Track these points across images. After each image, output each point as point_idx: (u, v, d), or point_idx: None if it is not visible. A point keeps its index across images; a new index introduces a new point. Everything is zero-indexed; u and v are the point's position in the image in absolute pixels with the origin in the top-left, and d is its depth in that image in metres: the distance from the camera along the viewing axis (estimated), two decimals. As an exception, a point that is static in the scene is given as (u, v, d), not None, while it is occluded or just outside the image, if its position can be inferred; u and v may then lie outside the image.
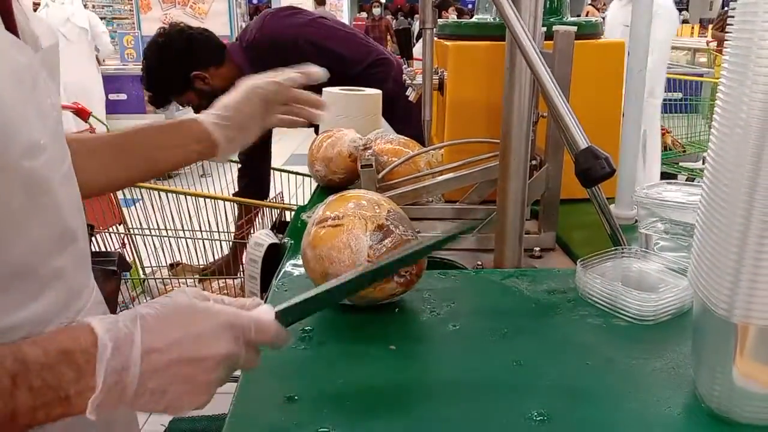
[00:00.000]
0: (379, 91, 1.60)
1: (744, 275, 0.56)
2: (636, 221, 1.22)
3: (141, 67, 2.11)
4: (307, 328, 0.79)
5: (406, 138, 1.35)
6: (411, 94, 1.48)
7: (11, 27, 0.59)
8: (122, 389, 0.50)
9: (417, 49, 1.98)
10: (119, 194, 2.29)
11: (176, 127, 0.87)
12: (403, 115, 1.82)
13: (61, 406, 0.49)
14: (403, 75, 1.51)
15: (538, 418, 0.62)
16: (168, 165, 0.89)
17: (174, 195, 2.26)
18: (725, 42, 0.58)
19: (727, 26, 0.57)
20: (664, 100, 3.98)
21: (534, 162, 1.15)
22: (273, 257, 1.13)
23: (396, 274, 0.80)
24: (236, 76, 2.08)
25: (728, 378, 0.60)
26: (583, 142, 0.78)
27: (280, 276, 0.97)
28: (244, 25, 7.30)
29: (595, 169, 0.77)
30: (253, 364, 0.58)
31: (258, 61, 2.03)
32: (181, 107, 2.21)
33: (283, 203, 2.53)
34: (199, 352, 0.52)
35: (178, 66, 1.98)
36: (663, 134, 4.05)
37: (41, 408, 0.49)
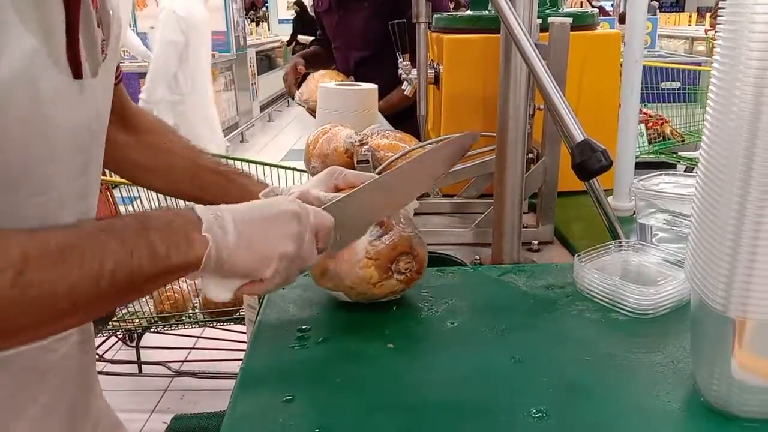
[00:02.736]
0: (375, 86, 1.59)
1: (739, 270, 0.55)
2: (634, 213, 1.22)
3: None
4: (304, 327, 0.79)
5: (402, 133, 1.34)
6: (407, 89, 1.47)
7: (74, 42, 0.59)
8: (222, 227, 0.59)
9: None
10: (116, 193, 2.28)
11: (242, 185, 0.87)
12: (412, 112, 1.80)
13: (186, 246, 0.57)
14: (399, 69, 1.50)
15: (537, 415, 0.62)
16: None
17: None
18: (716, 30, 0.57)
19: (718, 16, 0.57)
20: (663, 89, 3.96)
21: (531, 155, 1.15)
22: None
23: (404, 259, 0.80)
24: None
25: (726, 372, 0.60)
26: (579, 135, 0.78)
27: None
28: (240, 21, 7.28)
29: (591, 162, 0.76)
30: (313, 255, 0.66)
31: None
32: None
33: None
34: (274, 209, 0.64)
35: None
36: (662, 124, 4.04)
37: (173, 246, 0.56)
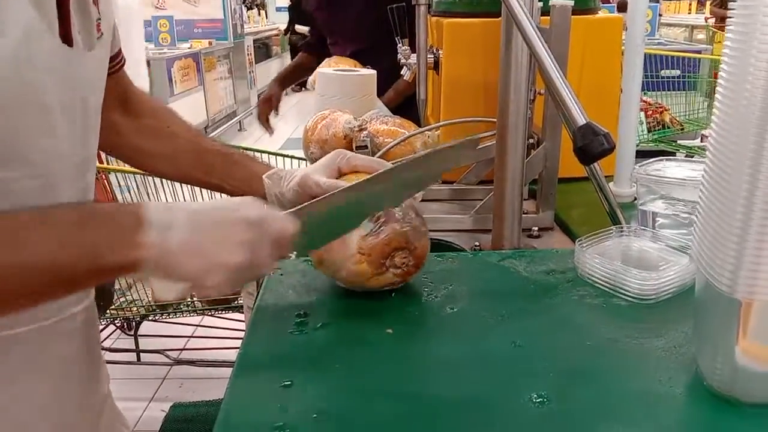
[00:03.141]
0: (374, 72, 1.58)
1: (748, 250, 0.54)
2: (635, 199, 1.21)
3: None
4: (303, 312, 0.78)
5: (401, 118, 1.33)
6: (406, 74, 1.46)
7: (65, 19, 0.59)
8: (168, 231, 0.56)
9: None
10: (113, 181, 2.26)
11: (246, 166, 0.86)
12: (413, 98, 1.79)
13: (126, 246, 0.54)
14: (398, 54, 1.49)
15: (537, 400, 0.61)
16: (214, 190, 0.90)
17: (169, 182, 2.23)
18: (728, 14, 0.56)
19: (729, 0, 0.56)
20: (662, 77, 3.94)
21: (531, 140, 1.14)
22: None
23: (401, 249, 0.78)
24: None
25: (731, 357, 0.59)
26: (581, 119, 0.77)
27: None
28: (237, 8, 7.23)
29: (594, 146, 0.75)
30: (267, 262, 0.62)
31: None
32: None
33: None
34: (231, 213, 0.60)
35: None
36: (661, 112, 4.02)
37: (111, 245, 0.53)
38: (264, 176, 0.81)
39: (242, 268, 0.59)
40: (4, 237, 0.50)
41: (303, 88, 9.33)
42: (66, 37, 0.59)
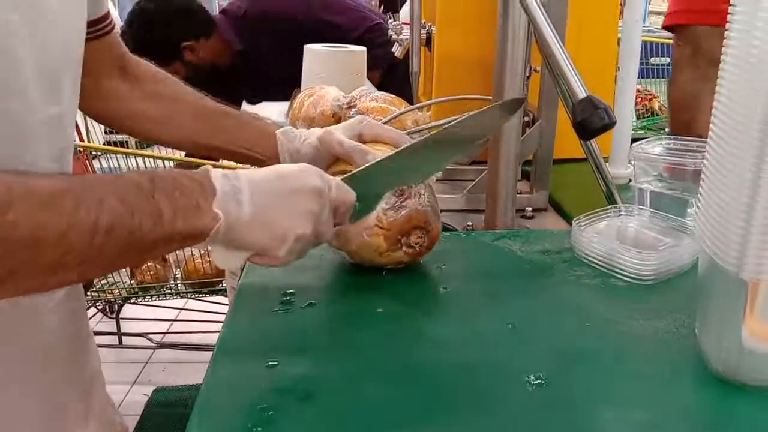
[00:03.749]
0: (364, 48, 1.54)
1: (755, 228, 0.51)
2: (630, 181, 1.18)
3: (122, 30, 2.01)
4: (289, 291, 0.74)
5: (391, 95, 1.29)
6: (397, 50, 1.42)
7: None
8: (237, 201, 0.55)
9: (404, 13, 1.91)
10: (96, 164, 2.20)
11: (254, 127, 0.83)
12: (403, 79, 1.77)
13: (195, 215, 0.52)
14: (389, 30, 1.45)
15: (535, 382, 0.58)
16: (222, 156, 0.88)
17: (152, 161, 2.18)
18: None
19: None
20: (652, 64, 3.93)
21: (527, 118, 1.11)
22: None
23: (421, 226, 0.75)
24: (224, 51, 2.01)
25: (736, 339, 0.56)
26: (581, 92, 0.74)
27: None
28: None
29: (594, 120, 0.72)
30: (329, 231, 0.62)
31: (249, 35, 1.96)
32: None
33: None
34: (296, 184, 0.59)
35: (168, 34, 1.90)
36: (650, 99, 4.02)
37: (180, 212, 0.51)
38: (278, 132, 0.78)
39: (307, 237, 0.59)
40: (71, 197, 0.47)
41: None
42: None
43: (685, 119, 1.23)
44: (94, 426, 0.73)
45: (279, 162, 0.82)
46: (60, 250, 0.46)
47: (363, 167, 0.69)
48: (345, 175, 0.66)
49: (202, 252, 2.25)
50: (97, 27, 0.74)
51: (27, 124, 0.56)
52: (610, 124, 0.72)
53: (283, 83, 1.92)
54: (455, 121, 0.74)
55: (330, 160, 0.78)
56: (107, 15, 0.76)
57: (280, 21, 1.91)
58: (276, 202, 0.57)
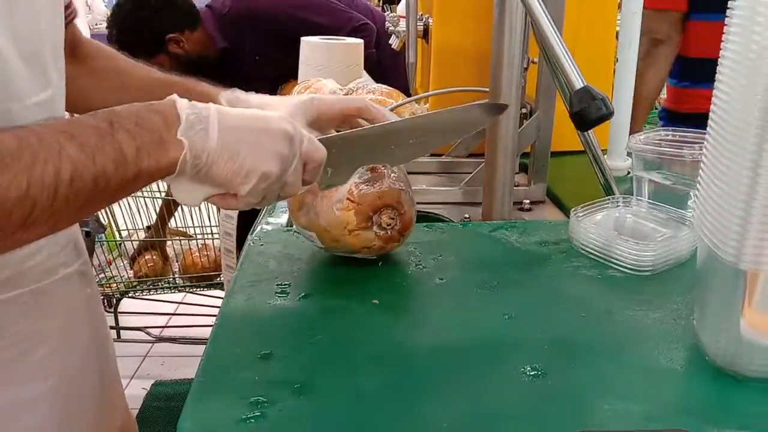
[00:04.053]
0: (361, 41, 1.53)
1: (754, 217, 0.51)
2: (628, 173, 1.18)
3: (107, 22, 2.00)
4: (284, 282, 0.74)
5: (389, 88, 1.28)
6: (395, 43, 1.41)
7: None
8: (204, 129, 0.53)
9: (401, 7, 1.90)
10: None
11: (201, 92, 0.79)
12: (401, 68, 1.75)
13: (159, 149, 0.51)
14: (386, 23, 1.44)
15: (531, 373, 0.58)
16: None
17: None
18: None
19: None
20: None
21: (524, 110, 1.10)
22: (249, 212, 1.07)
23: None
24: (208, 45, 2.00)
25: (734, 329, 0.56)
26: (579, 82, 0.73)
27: (255, 231, 0.92)
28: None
29: (591, 111, 0.71)
30: (296, 183, 0.60)
31: (233, 32, 1.95)
32: None
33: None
34: (266, 123, 0.57)
35: (154, 25, 1.89)
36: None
37: (143, 149, 0.50)
38: (221, 96, 0.76)
39: (273, 179, 0.57)
40: (30, 150, 0.46)
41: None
42: None
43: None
44: (108, 406, 0.76)
45: None
46: (26, 207, 0.46)
47: (340, 134, 0.67)
48: (322, 137, 0.64)
49: (200, 246, 2.24)
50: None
51: (18, 112, 0.56)
52: (607, 115, 0.71)
53: (267, 82, 1.91)
54: (436, 112, 0.73)
55: (308, 118, 0.73)
56: (70, 4, 0.75)
57: (263, 21, 1.89)
58: (244, 136, 0.56)
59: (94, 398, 0.73)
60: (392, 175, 0.75)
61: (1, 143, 0.45)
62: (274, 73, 1.87)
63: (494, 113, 0.81)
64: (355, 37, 1.88)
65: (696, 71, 1.67)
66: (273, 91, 1.90)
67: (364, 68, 1.58)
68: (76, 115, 0.58)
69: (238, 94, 0.76)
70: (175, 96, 0.55)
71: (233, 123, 0.55)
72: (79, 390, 0.71)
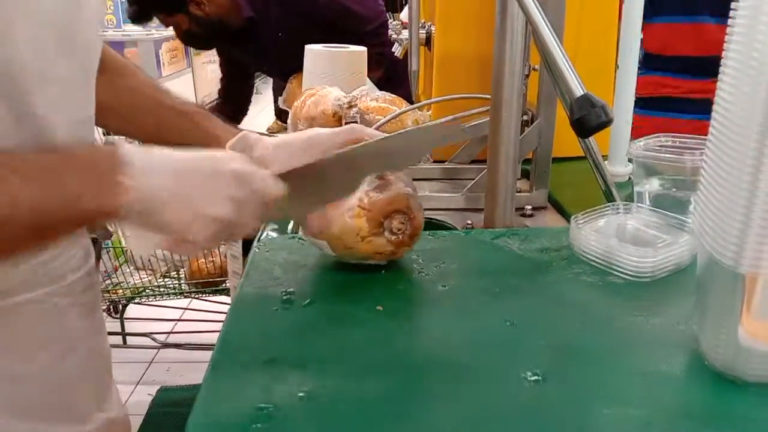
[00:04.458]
0: (364, 49, 1.54)
1: (754, 221, 0.51)
2: (630, 178, 1.18)
3: None
4: (289, 290, 0.75)
5: (392, 95, 1.29)
6: (398, 50, 1.42)
7: None
8: (151, 174, 0.52)
9: (404, 14, 1.90)
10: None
11: (206, 129, 0.82)
12: (404, 76, 1.75)
13: (105, 191, 0.51)
14: (389, 30, 1.45)
15: (532, 378, 0.58)
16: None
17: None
18: None
19: None
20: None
21: (525, 117, 1.11)
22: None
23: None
24: (232, 11, 1.97)
25: (734, 334, 0.56)
26: (579, 90, 0.74)
27: (261, 238, 0.93)
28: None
29: (591, 118, 0.72)
30: (252, 222, 0.59)
31: (263, 4, 1.91)
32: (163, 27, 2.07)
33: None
34: (217, 164, 0.56)
35: None
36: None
37: (89, 191, 0.50)
38: (227, 146, 0.76)
39: (226, 224, 0.56)
40: None
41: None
42: None
43: None
44: (105, 415, 0.76)
45: None
46: None
47: (302, 165, 0.66)
48: (282, 171, 0.62)
49: (206, 252, 2.25)
50: None
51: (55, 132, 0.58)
52: (607, 122, 0.72)
53: (280, 65, 1.87)
54: (408, 130, 0.74)
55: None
56: None
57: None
58: (195, 180, 0.55)
59: (91, 405, 0.74)
60: (399, 181, 0.76)
61: None
62: (292, 57, 1.77)
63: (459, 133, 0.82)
64: (382, 32, 1.85)
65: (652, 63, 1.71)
66: (285, 78, 1.86)
67: (382, 66, 1.53)
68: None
69: (247, 140, 0.75)
70: (122, 143, 0.55)
71: (182, 167, 0.55)
72: (76, 396, 0.71)
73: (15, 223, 0.48)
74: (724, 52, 0.55)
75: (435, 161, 1.32)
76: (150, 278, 2.24)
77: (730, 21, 0.54)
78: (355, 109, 1.26)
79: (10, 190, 0.48)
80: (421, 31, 1.28)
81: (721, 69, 0.56)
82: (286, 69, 1.85)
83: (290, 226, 0.98)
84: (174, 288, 2.23)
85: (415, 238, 0.78)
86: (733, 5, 0.54)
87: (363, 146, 0.70)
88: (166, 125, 0.81)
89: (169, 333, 2.53)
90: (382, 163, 0.73)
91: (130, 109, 0.82)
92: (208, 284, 2.18)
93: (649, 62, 1.69)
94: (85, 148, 0.54)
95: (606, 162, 1.22)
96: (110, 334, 2.43)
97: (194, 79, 6.01)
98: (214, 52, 2.32)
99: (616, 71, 1.20)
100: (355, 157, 0.68)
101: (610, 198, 0.98)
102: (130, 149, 0.53)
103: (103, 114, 0.81)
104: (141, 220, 0.53)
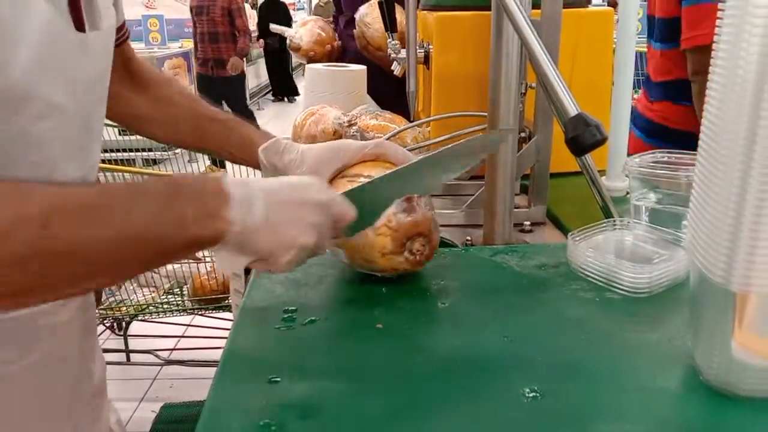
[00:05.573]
0: (364, 67, 1.56)
1: (742, 240, 0.53)
2: (627, 193, 1.20)
3: None
4: (291, 308, 0.76)
5: (391, 113, 1.31)
6: (396, 69, 1.44)
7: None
8: (250, 208, 0.57)
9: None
10: (101, 177, 2.24)
11: (242, 134, 0.87)
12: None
13: (212, 221, 0.55)
14: (388, 49, 1.47)
15: (530, 395, 0.59)
16: (215, 156, 0.96)
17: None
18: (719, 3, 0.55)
19: None
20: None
21: (523, 134, 1.13)
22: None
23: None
24: None
25: (727, 350, 0.57)
26: (573, 109, 0.75)
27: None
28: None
29: (585, 137, 0.74)
30: (327, 243, 0.66)
31: None
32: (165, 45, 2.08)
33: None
34: (305, 195, 0.63)
35: None
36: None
37: (199, 219, 0.54)
38: (260, 150, 0.82)
39: (309, 248, 0.62)
40: (102, 210, 0.50)
41: (284, 99, 9.16)
42: (78, 23, 0.59)
43: None
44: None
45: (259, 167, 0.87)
46: (95, 260, 0.50)
47: (360, 185, 0.72)
48: (345, 191, 0.69)
49: (209, 269, 2.27)
50: (116, 36, 0.78)
51: (60, 152, 0.61)
52: (601, 141, 0.74)
53: None
54: (450, 146, 0.77)
55: (336, 168, 0.81)
56: (123, 25, 0.80)
57: None
58: (286, 212, 0.61)
59: (85, 426, 0.75)
60: (422, 202, 0.79)
61: (79, 195, 0.50)
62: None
63: (501, 139, 0.87)
64: None
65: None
66: None
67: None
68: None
69: (279, 145, 0.82)
70: (223, 175, 0.60)
71: (276, 199, 0.60)
72: (68, 416, 0.72)
73: (139, 244, 0.52)
74: (709, 75, 0.56)
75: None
76: (153, 295, 2.26)
77: (714, 43, 0.55)
78: (355, 128, 1.28)
79: (136, 214, 0.52)
80: (419, 51, 1.30)
81: (708, 86, 0.57)
82: None
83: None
84: (177, 305, 2.24)
85: (430, 258, 0.81)
86: (717, 23, 0.56)
87: (415, 163, 0.76)
88: (204, 132, 0.86)
89: (172, 350, 2.53)
90: (434, 175, 0.79)
91: (171, 118, 0.87)
92: (211, 301, 2.19)
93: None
94: (192, 178, 0.58)
95: (604, 177, 1.23)
96: (114, 351, 2.46)
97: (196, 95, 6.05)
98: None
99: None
100: (409, 172, 0.75)
101: (607, 214, 1.00)
102: (231, 183, 0.58)
103: (146, 125, 0.87)
104: (236, 247, 0.58)
